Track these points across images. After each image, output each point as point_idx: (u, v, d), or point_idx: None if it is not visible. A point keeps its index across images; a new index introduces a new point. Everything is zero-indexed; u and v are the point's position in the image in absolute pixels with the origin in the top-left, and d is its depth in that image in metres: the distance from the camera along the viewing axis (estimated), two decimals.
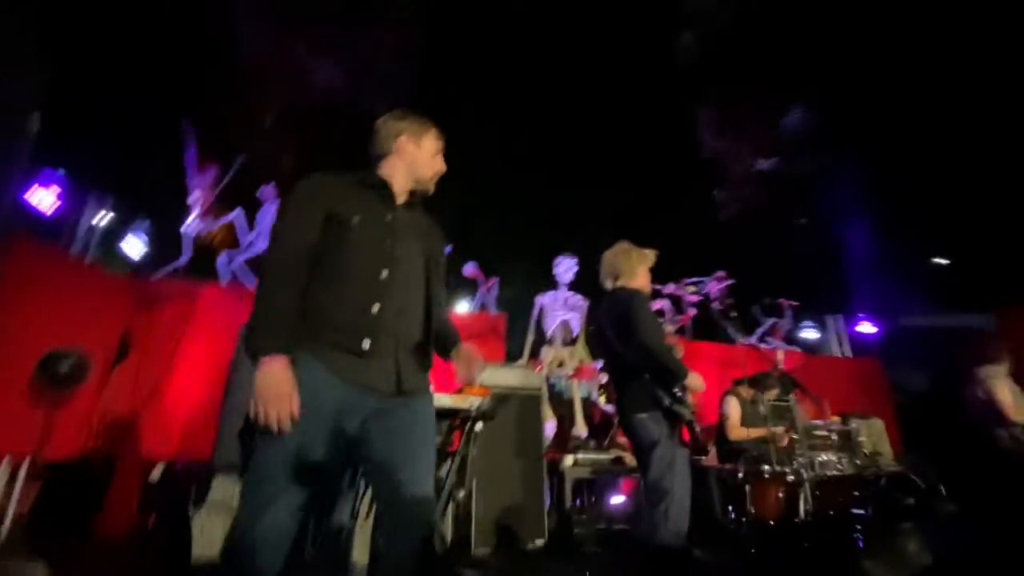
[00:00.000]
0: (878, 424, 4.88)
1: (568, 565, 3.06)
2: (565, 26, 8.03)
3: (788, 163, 8.53)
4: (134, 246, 4.63)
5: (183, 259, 5.18)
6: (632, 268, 2.67)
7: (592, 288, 5.31)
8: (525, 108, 7.83)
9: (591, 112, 8.17)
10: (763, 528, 3.22)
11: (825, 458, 3.83)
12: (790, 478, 3.45)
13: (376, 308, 1.34)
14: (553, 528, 3.64)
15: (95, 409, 3.83)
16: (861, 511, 3.08)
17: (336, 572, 2.33)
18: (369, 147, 1.55)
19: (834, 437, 4.09)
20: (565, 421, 4.86)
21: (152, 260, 5.01)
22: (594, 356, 5.38)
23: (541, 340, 5.68)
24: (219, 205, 5.83)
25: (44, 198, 4.00)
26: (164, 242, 5.21)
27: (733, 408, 4.08)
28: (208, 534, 2.53)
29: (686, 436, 2.51)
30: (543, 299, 5.85)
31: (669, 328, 5.91)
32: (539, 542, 3.49)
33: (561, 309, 5.71)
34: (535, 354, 5.57)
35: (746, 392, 4.21)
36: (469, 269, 6.11)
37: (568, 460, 3.97)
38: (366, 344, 1.31)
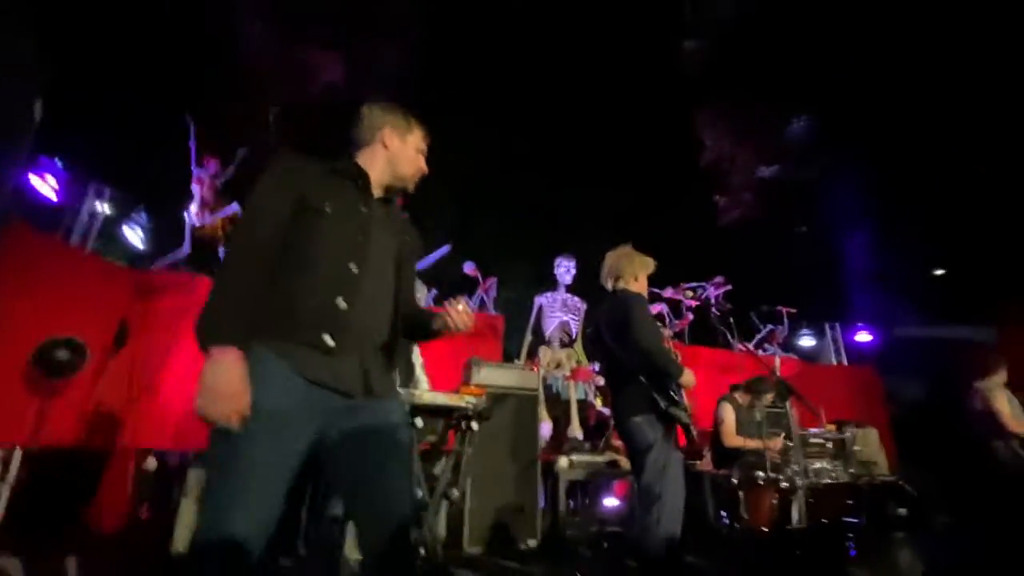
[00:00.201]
0: (873, 433, 4.88)
1: (560, 566, 3.06)
2: (567, 27, 8.04)
3: (788, 170, 8.55)
4: (133, 236, 4.62)
5: (183, 251, 5.18)
6: (633, 272, 2.69)
7: (590, 290, 5.33)
8: (527, 109, 7.83)
9: (592, 114, 8.18)
10: (755, 534, 3.22)
11: (819, 466, 3.83)
12: (784, 485, 3.46)
13: (343, 303, 1.25)
14: (546, 529, 3.65)
15: (90, 398, 3.82)
16: (854, 520, 3.09)
17: (328, 568, 2.32)
18: (352, 132, 1.49)
19: (829, 445, 4.10)
20: (561, 422, 4.86)
21: (151, 251, 5.00)
22: (591, 358, 5.38)
23: (539, 341, 5.68)
24: (219, 198, 5.83)
25: (43, 187, 3.99)
26: (163, 233, 5.21)
27: (728, 414, 4.08)
28: (190, 525, 2.54)
29: (682, 440, 2.51)
30: (542, 300, 5.86)
31: (667, 332, 5.92)
32: (532, 542, 3.49)
33: (560, 311, 5.72)
34: (532, 355, 5.57)
35: (742, 398, 4.21)
36: (468, 268, 6.11)
37: (563, 462, 3.97)
38: (330, 340, 1.22)
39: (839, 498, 3.38)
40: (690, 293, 6.19)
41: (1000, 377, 3.58)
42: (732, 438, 4.01)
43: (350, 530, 2.35)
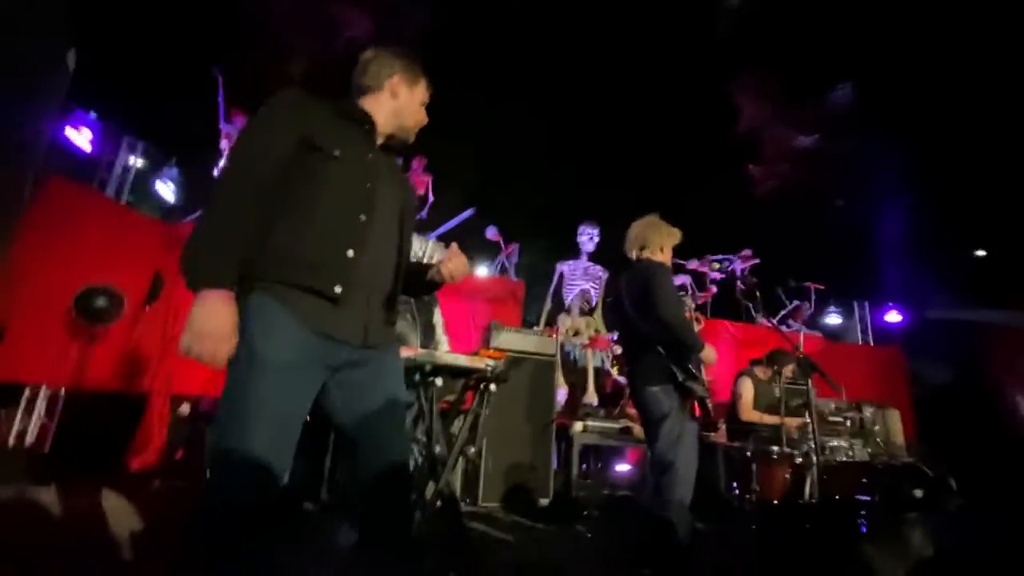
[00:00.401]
0: (893, 414, 4.82)
1: (569, 524, 3.16)
2: None
3: (827, 141, 8.17)
4: (166, 190, 4.71)
5: None
6: (660, 241, 2.65)
7: (613, 259, 5.27)
8: (555, 72, 7.58)
9: (622, 79, 7.87)
10: (766, 507, 3.26)
11: (837, 443, 3.82)
12: (798, 460, 3.46)
13: (352, 253, 1.21)
14: (558, 489, 3.76)
15: (128, 345, 4.01)
16: (868, 498, 3.09)
17: (351, 516, 2.44)
18: (355, 76, 1.42)
19: (848, 423, 4.07)
20: (577, 389, 4.92)
21: (183, 204, 5.11)
22: (609, 327, 5.38)
23: (559, 308, 5.70)
24: None
25: (78, 139, 4.07)
26: (195, 187, 5.30)
27: (747, 388, 4.07)
28: None
29: (698, 411, 2.52)
30: (563, 267, 5.84)
31: (690, 304, 5.86)
32: (544, 501, 3.60)
33: (581, 278, 5.70)
34: (552, 322, 5.60)
35: (763, 372, 4.18)
36: (491, 233, 6.09)
37: (577, 426, 4.04)
38: (338, 290, 1.18)
39: (854, 476, 3.37)
40: (716, 265, 6.09)
41: None
42: (749, 412, 4.01)
43: None
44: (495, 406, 2.99)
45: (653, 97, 7.80)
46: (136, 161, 4.64)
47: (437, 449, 2.50)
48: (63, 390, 3.64)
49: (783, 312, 6.89)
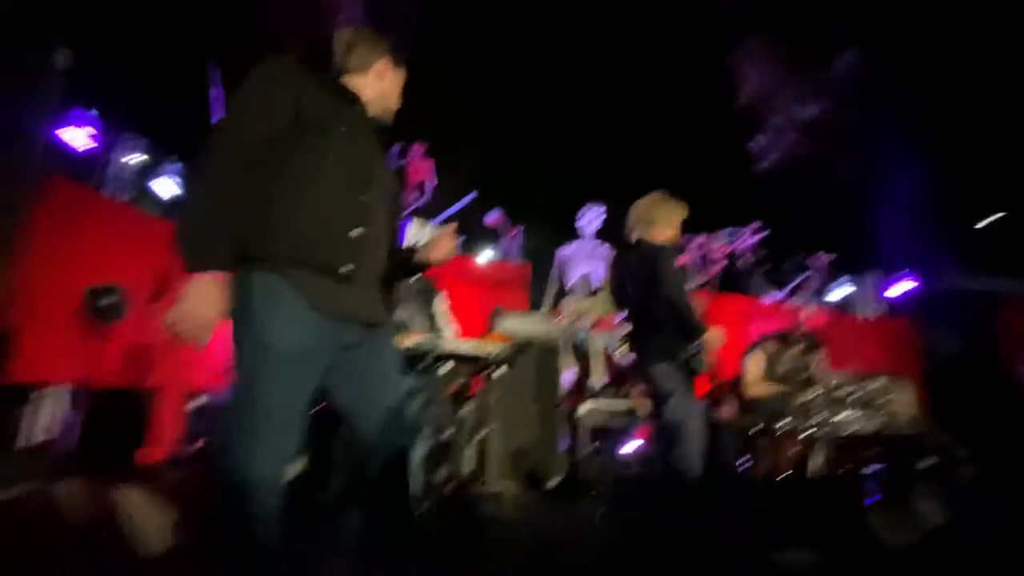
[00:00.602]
0: (904, 385, 4.79)
1: (578, 503, 3.20)
2: None
3: (833, 110, 7.99)
4: (166, 187, 4.71)
5: None
6: (667, 218, 2.62)
7: (618, 240, 5.21)
8: (555, 54, 7.45)
9: (623, 58, 7.72)
10: (773, 481, 3.27)
11: (845, 416, 3.80)
12: (806, 434, 3.46)
13: (358, 232, 1.20)
14: (567, 470, 3.79)
15: (138, 343, 4.06)
16: (877, 470, 3.09)
17: (358, 504, 2.47)
18: (337, 56, 1.40)
19: (856, 396, 4.05)
20: (583, 371, 4.93)
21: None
22: (617, 307, 5.36)
23: (564, 291, 5.68)
24: None
25: (77, 137, 4.07)
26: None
27: (754, 364, 4.05)
28: None
29: (703, 389, 2.53)
30: (566, 251, 5.80)
31: (696, 282, 5.83)
32: (553, 482, 3.64)
33: (585, 259, 5.66)
34: (557, 304, 5.59)
35: (772, 347, 4.16)
36: (494, 217, 6.06)
37: (584, 407, 4.07)
38: (346, 269, 1.18)
39: (863, 448, 3.37)
40: (725, 239, 6.03)
41: None
42: (755, 388, 4.00)
43: None
44: (502, 390, 3.02)
45: (656, 73, 7.66)
46: (137, 158, 4.63)
47: (446, 434, 2.53)
48: (75, 389, 3.70)
49: (791, 285, 6.83)
